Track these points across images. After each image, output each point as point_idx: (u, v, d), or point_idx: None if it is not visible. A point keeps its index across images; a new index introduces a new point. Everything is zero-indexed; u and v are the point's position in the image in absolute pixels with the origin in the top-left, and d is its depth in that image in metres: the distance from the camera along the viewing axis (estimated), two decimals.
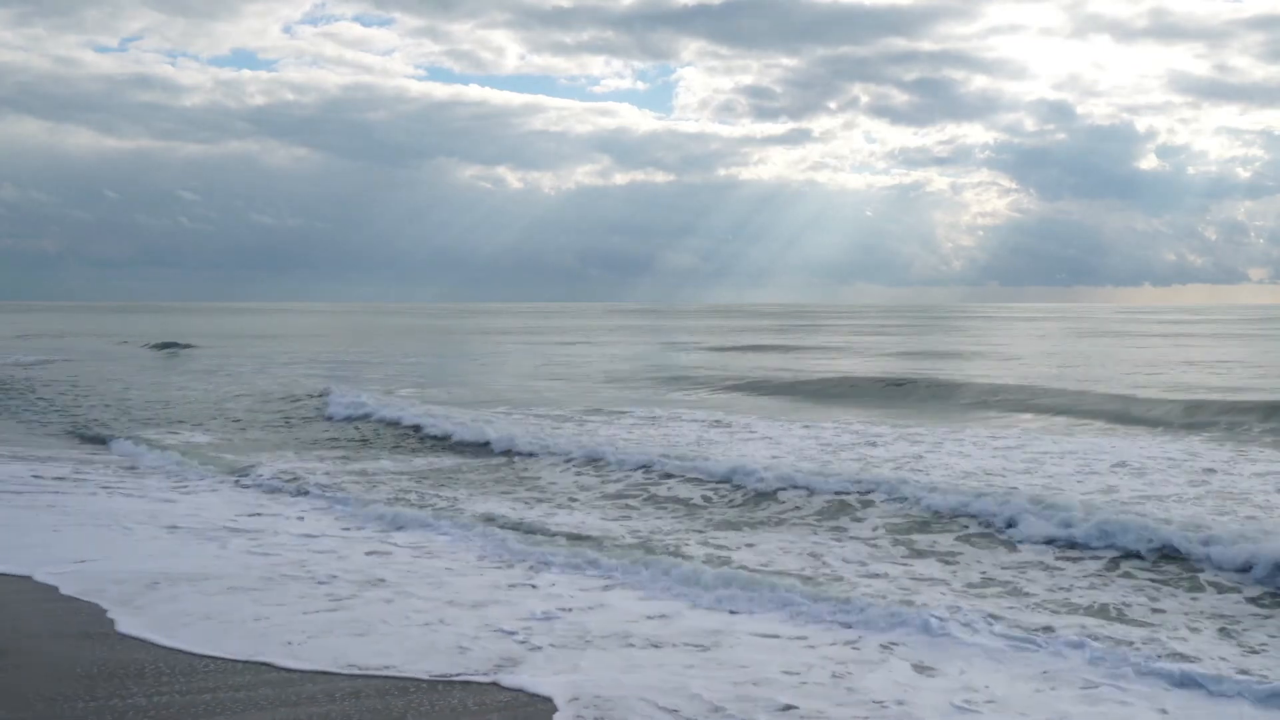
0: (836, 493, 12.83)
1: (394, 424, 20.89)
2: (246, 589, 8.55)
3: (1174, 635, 7.76)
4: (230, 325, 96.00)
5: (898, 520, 11.70)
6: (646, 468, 15.02)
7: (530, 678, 6.51)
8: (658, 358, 46.01)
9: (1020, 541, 10.63)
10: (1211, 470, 14.37)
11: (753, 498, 13.19)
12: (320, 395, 26.26)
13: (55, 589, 8.46)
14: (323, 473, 15.35)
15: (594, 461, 15.75)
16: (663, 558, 9.89)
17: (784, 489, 13.26)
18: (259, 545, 10.32)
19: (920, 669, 6.84)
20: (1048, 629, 7.70)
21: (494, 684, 6.43)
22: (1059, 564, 9.95)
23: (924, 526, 11.43)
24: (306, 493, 13.56)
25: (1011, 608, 8.45)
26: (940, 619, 7.70)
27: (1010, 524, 10.99)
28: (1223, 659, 7.18)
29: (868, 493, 12.69)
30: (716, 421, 21.11)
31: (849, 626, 7.70)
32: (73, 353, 49.05)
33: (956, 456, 15.97)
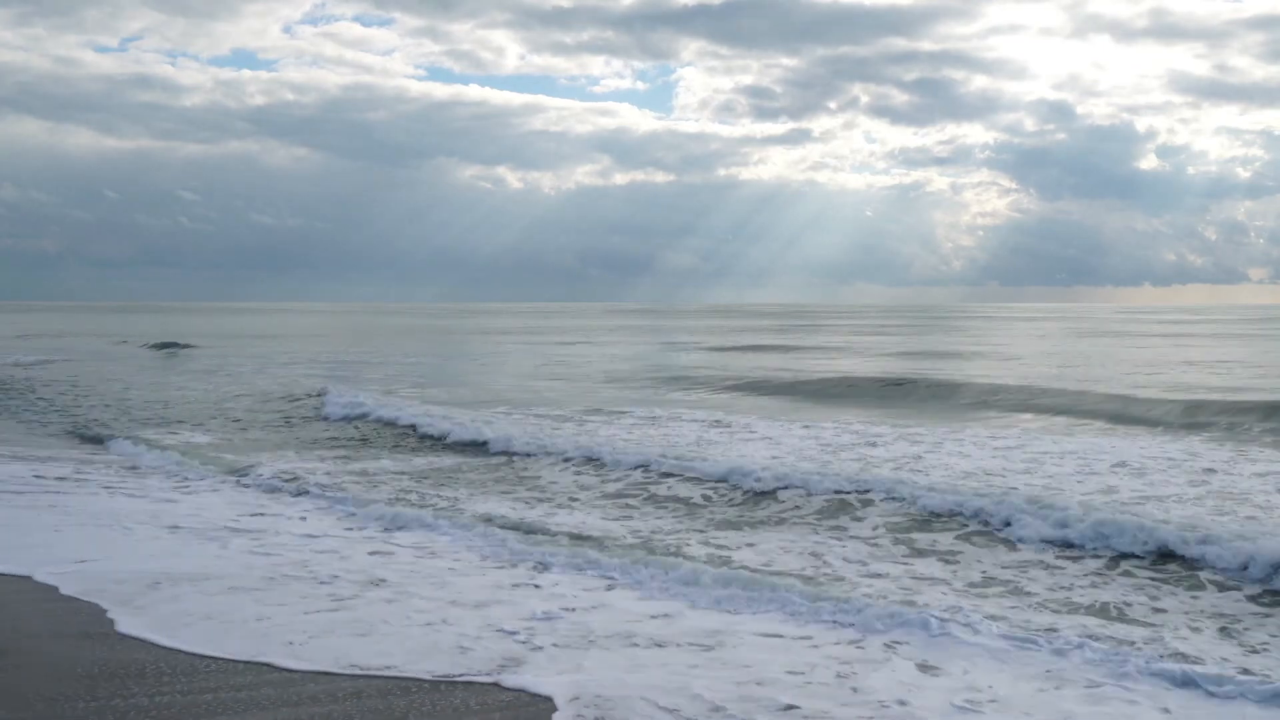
0: (836, 492, 12.83)
1: (393, 424, 20.89)
2: (248, 589, 8.54)
3: (1175, 635, 7.76)
4: (230, 325, 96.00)
5: (897, 519, 11.70)
6: (646, 467, 15.03)
7: (532, 678, 6.50)
8: (658, 358, 46.02)
9: (1020, 541, 10.64)
10: (1212, 470, 14.38)
11: (752, 497, 13.19)
12: (320, 395, 26.25)
13: (55, 589, 8.45)
14: (323, 473, 15.35)
15: (594, 461, 15.75)
16: (664, 558, 9.90)
17: (784, 489, 13.26)
18: (260, 545, 10.32)
19: (924, 669, 6.84)
20: (1050, 629, 7.71)
21: (496, 684, 6.43)
22: (1059, 563, 9.95)
23: (924, 526, 11.43)
24: (307, 493, 13.56)
25: (1014, 607, 8.46)
26: (942, 619, 7.70)
27: (1009, 524, 10.99)
28: (1224, 659, 7.18)
29: (867, 492, 12.69)
30: (716, 421, 21.11)
31: (851, 626, 7.70)
32: (72, 353, 49.04)
33: (956, 456, 15.97)
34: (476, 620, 7.77)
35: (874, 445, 17.35)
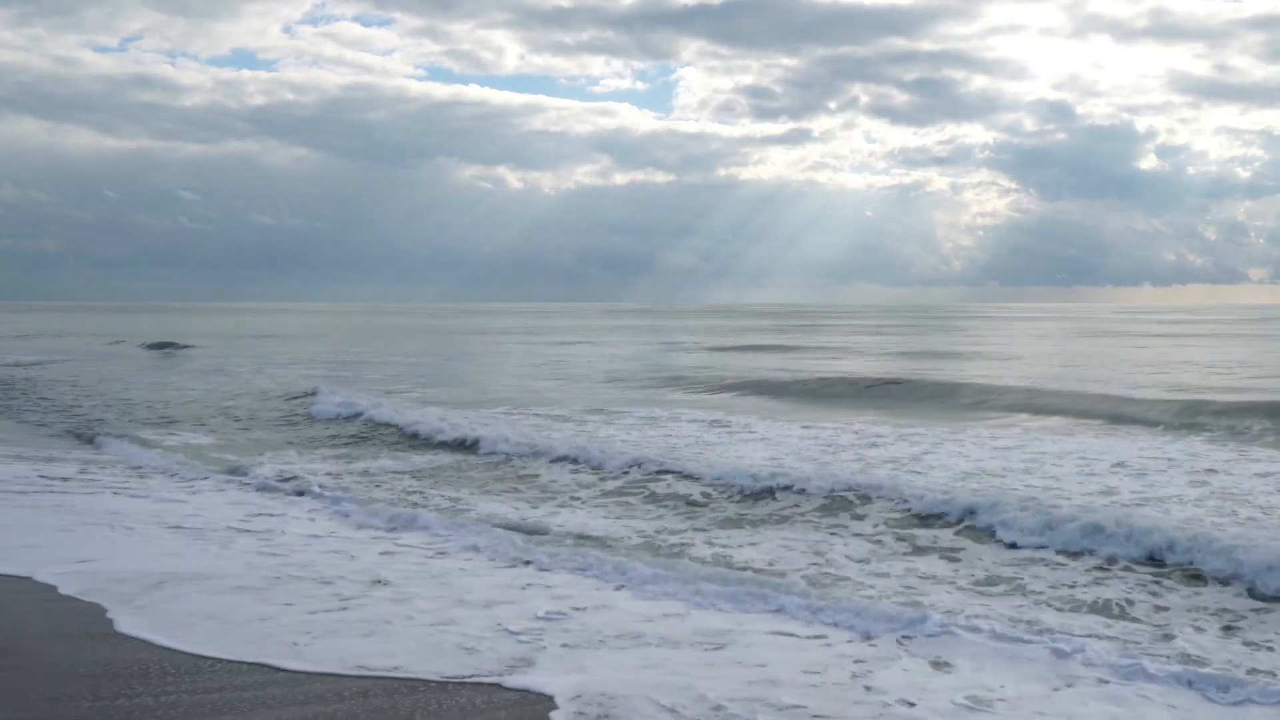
0: (836, 492, 12.84)
1: (392, 424, 20.87)
2: (252, 589, 8.54)
3: (1180, 633, 7.77)
4: (230, 325, 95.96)
5: (898, 519, 11.71)
6: (646, 467, 15.03)
7: (538, 678, 6.50)
8: (658, 358, 46.02)
9: (1020, 541, 10.63)
10: (1212, 470, 14.38)
11: (753, 496, 13.20)
12: (312, 394, 26.24)
13: (55, 589, 8.43)
14: (325, 473, 15.35)
15: (594, 461, 15.73)
16: (668, 558, 9.91)
17: (784, 488, 13.27)
18: (264, 545, 10.32)
19: (935, 666, 6.85)
20: (1055, 628, 7.72)
21: (502, 684, 6.42)
22: (1060, 559, 9.97)
23: (925, 525, 11.44)
24: (310, 493, 13.55)
25: (1019, 605, 8.48)
26: (949, 617, 7.72)
27: (1009, 523, 11.00)
28: (1229, 659, 7.19)
29: (867, 492, 12.69)
30: (716, 421, 21.11)
31: (860, 625, 7.69)
32: (72, 353, 49.04)
33: (956, 456, 15.98)
34: (482, 620, 7.76)
35: (874, 445, 17.35)
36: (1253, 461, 15.18)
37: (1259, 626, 8.01)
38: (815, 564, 9.99)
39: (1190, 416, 20.80)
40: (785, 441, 17.93)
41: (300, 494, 13.53)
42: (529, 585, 8.90)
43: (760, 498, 13.15)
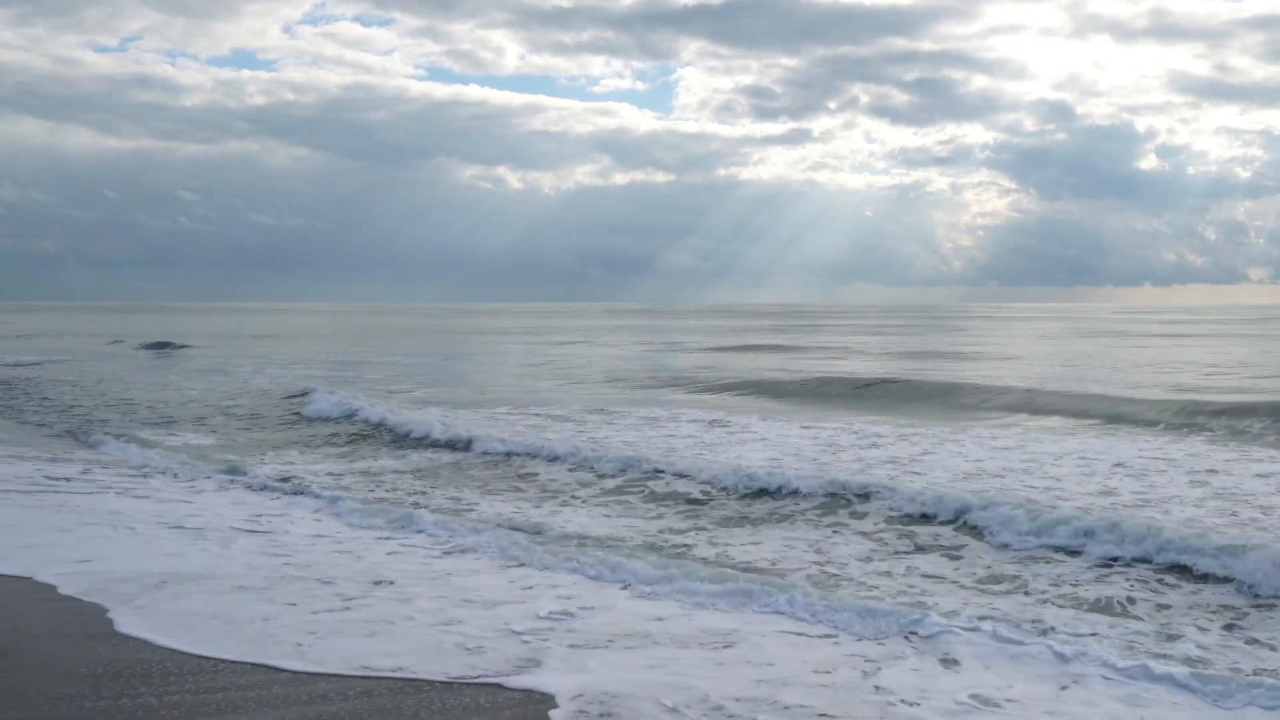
0: (836, 492, 12.84)
1: (391, 425, 20.85)
2: (254, 589, 8.54)
3: (1183, 632, 7.78)
4: (230, 325, 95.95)
5: (899, 518, 11.72)
6: (646, 467, 15.02)
7: (542, 678, 6.49)
8: (658, 358, 46.02)
9: (1020, 541, 10.63)
10: (1213, 471, 14.38)
11: (754, 496, 13.20)
12: (306, 394, 26.23)
13: (55, 589, 8.42)
14: (326, 473, 15.35)
15: (594, 461, 15.71)
16: (670, 557, 9.91)
17: (784, 488, 13.27)
18: (266, 545, 10.32)
19: (943, 665, 6.85)
20: (1059, 627, 7.72)
21: (505, 684, 6.42)
22: (1060, 558, 9.97)
23: (925, 524, 11.45)
24: (311, 493, 13.55)
25: (1023, 604, 8.49)
26: (953, 617, 7.72)
27: (1009, 523, 11.00)
28: (1233, 659, 7.20)
29: (868, 492, 12.70)
30: (716, 421, 21.11)
31: (865, 624, 7.68)
32: (73, 353, 49.03)
33: (956, 457, 15.98)
34: (485, 620, 7.76)
35: (874, 445, 17.35)
36: (1253, 462, 15.19)
37: (1261, 625, 8.01)
38: (818, 563, 10.00)
39: (1190, 417, 20.79)
40: (785, 442, 17.93)
41: (301, 494, 13.53)
42: (532, 585, 8.90)
43: (761, 497, 13.15)
